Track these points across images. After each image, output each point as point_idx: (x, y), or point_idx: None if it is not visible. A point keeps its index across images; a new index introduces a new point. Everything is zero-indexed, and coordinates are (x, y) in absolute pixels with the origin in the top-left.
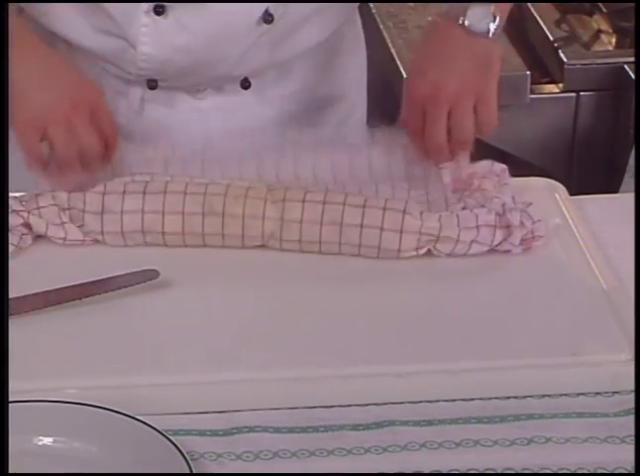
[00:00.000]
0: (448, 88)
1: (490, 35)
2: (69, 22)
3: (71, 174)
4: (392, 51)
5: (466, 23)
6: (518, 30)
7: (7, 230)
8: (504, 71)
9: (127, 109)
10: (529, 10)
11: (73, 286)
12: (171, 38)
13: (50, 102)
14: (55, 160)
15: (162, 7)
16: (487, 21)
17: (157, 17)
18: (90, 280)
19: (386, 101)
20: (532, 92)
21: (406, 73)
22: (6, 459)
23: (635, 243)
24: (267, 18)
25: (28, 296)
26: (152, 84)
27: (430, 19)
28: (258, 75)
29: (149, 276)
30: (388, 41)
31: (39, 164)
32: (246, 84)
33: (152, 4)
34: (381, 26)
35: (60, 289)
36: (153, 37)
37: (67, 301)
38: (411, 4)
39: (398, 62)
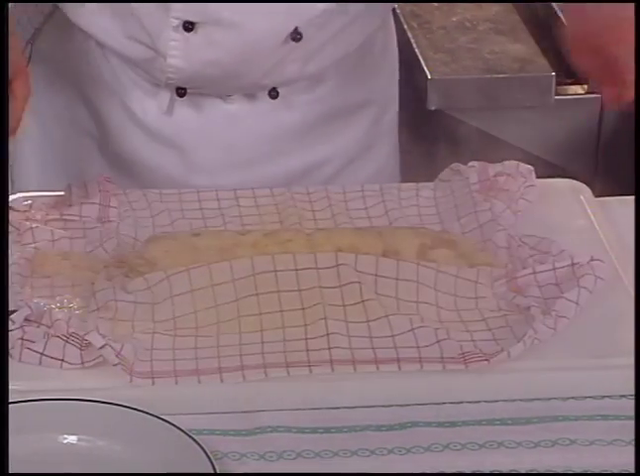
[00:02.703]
0: None
1: None
2: (103, 25)
3: None
4: (417, 51)
5: None
6: (543, 31)
7: (7, 230)
8: (529, 72)
9: (156, 110)
10: (554, 10)
11: None
12: (201, 53)
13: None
14: None
15: (192, 24)
16: None
17: (186, 33)
18: None
19: (411, 102)
20: (557, 93)
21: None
22: (6, 459)
23: (635, 243)
24: (296, 36)
25: None
26: (180, 92)
27: None
28: (287, 86)
29: None
30: (413, 41)
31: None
32: (273, 94)
33: (181, 20)
34: (406, 26)
35: None
36: (182, 51)
37: None
38: (435, 4)
39: (422, 63)
